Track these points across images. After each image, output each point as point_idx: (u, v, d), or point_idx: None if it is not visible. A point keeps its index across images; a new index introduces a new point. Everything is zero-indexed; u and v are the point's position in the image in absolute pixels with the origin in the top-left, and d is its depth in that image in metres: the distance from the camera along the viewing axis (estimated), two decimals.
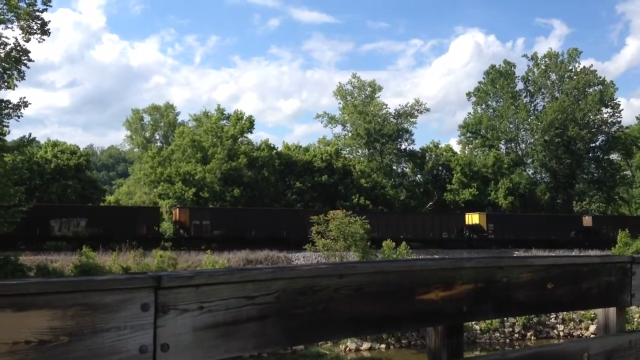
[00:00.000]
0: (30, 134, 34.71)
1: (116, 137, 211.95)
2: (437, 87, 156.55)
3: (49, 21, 30.95)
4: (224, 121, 62.63)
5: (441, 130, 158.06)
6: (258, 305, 1.98)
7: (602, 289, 3.18)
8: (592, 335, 27.69)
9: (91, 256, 34.39)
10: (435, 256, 39.97)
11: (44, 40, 30.92)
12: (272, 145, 60.53)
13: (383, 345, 31.69)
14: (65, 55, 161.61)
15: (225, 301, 1.91)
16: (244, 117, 60.20)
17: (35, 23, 30.44)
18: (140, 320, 1.74)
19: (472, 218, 51.34)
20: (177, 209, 45.93)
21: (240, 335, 1.94)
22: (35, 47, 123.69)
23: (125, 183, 79.89)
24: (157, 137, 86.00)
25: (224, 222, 43.47)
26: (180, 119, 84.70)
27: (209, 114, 68.25)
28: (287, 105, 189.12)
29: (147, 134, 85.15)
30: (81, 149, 58.50)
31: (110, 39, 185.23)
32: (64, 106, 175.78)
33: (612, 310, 3.33)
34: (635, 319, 34.37)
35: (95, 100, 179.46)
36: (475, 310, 2.65)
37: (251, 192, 54.55)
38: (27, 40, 30.51)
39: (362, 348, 31.23)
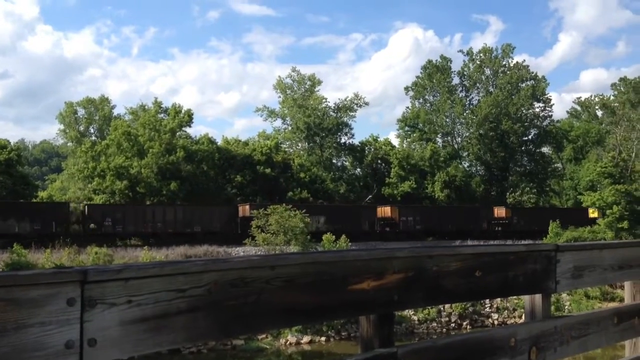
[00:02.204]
0: None
1: (49, 131, 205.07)
2: (376, 82, 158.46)
3: None
4: (162, 115, 61.62)
5: (381, 124, 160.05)
6: (189, 297, 1.97)
7: (528, 276, 3.29)
8: None
9: (23, 254, 33.35)
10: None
11: None
12: (211, 139, 59.96)
13: (323, 338, 31.90)
14: None
15: (155, 294, 1.89)
16: (183, 111, 59.38)
17: None
18: (66, 315, 1.70)
19: (384, 211, 51.83)
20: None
21: (170, 328, 1.93)
22: None
23: (59, 178, 77.68)
24: (92, 130, 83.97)
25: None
26: (116, 112, 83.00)
27: (146, 107, 67.03)
28: (227, 98, 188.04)
29: (82, 128, 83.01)
30: (12, 144, 56.53)
31: (43, 29, 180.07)
32: None
33: (538, 297, 3.44)
34: (566, 307, 35.68)
35: (28, 93, 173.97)
36: (406, 299, 2.70)
37: (190, 186, 53.89)
38: None
39: (302, 341, 31.37)
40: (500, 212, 55.51)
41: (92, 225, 42.04)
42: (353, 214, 50.55)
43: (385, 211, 51.46)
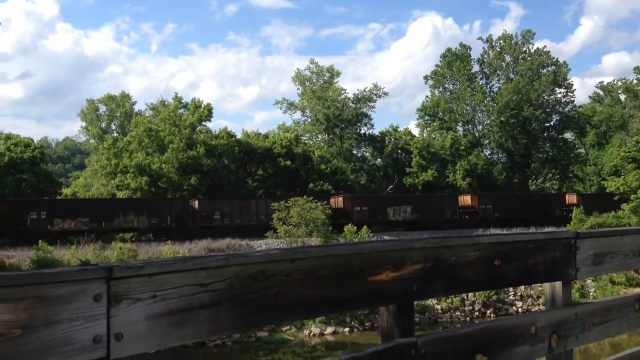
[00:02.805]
0: None
1: (71, 129, 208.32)
2: (395, 71, 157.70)
3: None
4: (182, 110, 61.99)
5: (401, 113, 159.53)
6: (211, 291, 2.02)
7: (548, 264, 3.30)
8: None
9: (49, 250, 33.85)
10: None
11: None
12: (231, 133, 60.20)
13: (347, 329, 32.01)
14: (18, 46, 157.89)
15: (178, 289, 1.94)
16: (202, 105, 59.65)
17: None
18: (93, 310, 1.76)
19: (465, 199, 52.85)
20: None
21: (194, 322, 1.98)
22: None
23: (82, 175, 78.57)
24: (114, 127, 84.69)
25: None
26: (136, 108, 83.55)
27: (166, 102, 67.46)
28: (246, 92, 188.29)
29: (103, 125, 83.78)
30: (35, 142, 57.29)
31: (63, 28, 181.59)
32: (17, 98, 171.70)
33: (558, 284, 3.46)
34: (591, 293, 35.42)
35: (49, 91, 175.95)
36: (426, 289, 2.73)
37: (210, 180, 54.22)
38: None
39: (326, 332, 31.51)
40: (571, 198, 55.68)
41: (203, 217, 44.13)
42: (437, 203, 52.19)
43: (465, 200, 52.78)
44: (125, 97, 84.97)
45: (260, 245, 39.51)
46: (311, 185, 55.60)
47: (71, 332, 1.72)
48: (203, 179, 53.73)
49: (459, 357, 2.77)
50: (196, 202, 45.55)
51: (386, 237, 39.84)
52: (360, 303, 2.61)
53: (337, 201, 48.71)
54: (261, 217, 44.46)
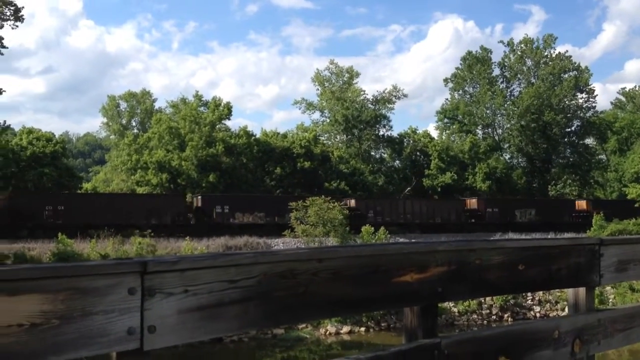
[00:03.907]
0: (4, 122, 34.60)
1: (92, 124, 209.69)
2: (415, 73, 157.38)
3: (22, 7, 30.57)
4: (202, 108, 62.34)
5: (420, 115, 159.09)
6: (240, 288, 2.06)
7: (572, 269, 3.31)
8: None
9: (68, 244, 34.19)
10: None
11: (17, 26, 30.55)
12: (250, 132, 60.43)
13: (363, 329, 31.97)
14: (41, 41, 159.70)
15: (209, 285, 1.99)
16: (222, 104, 59.94)
17: (9, 9, 30.03)
18: (127, 303, 1.81)
19: (580, 204, 55.62)
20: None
21: (223, 317, 2.02)
22: (9, 33, 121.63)
23: (102, 170, 79.28)
24: (134, 124, 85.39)
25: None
26: (157, 105, 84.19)
27: (187, 100, 67.85)
28: (265, 91, 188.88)
29: (124, 121, 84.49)
30: (57, 136, 57.92)
31: (86, 24, 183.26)
32: (39, 93, 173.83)
33: (582, 290, 3.46)
34: (610, 300, 35.07)
35: (71, 87, 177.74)
36: (450, 291, 2.75)
37: (229, 178, 54.47)
38: (0, 27, 30.12)
39: (342, 331, 31.50)
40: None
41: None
42: (557, 207, 56.33)
43: (581, 204, 56.21)
44: (146, 94, 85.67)
45: (278, 244, 39.61)
46: (326, 184, 55.54)
47: (107, 324, 1.77)
48: (222, 177, 53.99)
49: (482, 359, 2.78)
50: (200, 198, 45.61)
51: (400, 239, 39.81)
52: (385, 303, 2.63)
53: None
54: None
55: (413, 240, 29.62)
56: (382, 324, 32.32)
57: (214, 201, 45.44)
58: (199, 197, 46.38)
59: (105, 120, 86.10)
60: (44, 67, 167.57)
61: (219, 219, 44.17)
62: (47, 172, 49.48)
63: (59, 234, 34.71)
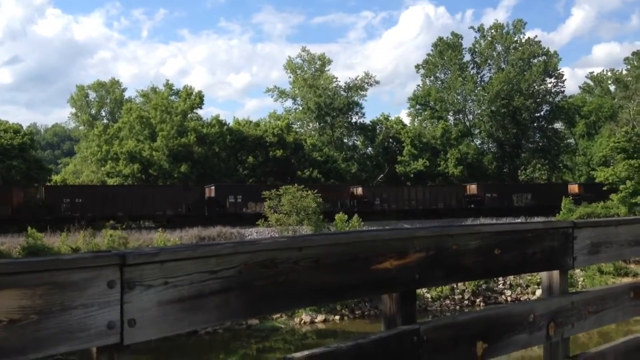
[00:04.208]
0: None
1: (61, 115, 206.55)
2: (387, 60, 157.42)
3: None
4: (173, 97, 61.72)
5: (392, 102, 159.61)
6: (221, 279, 2.05)
7: (546, 253, 3.35)
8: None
9: (38, 237, 33.70)
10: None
11: None
12: (222, 121, 60.03)
13: (337, 317, 32.15)
14: (7, 30, 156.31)
15: (189, 276, 1.97)
16: (194, 93, 59.44)
17: None
18: (107, 297, 1.78)
19: (572, 188, 57.08)
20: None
21: (204, 308, 2.01)
22: None
23: (72, 162, 78.18)
24: (104, 114, 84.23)
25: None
26: (127, 95, 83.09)
27: (157, 89, 67.12)
28: (237, 79, 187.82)
29: (93, 111, 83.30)
30: (24, 128, 56.93)
31: (53, 13, 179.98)
32: (5, 83, 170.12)
33: (556, 273, 3.51)
34: (580, 283, 35.70)
35: (39, 77, 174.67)
36: (428, 277, 2.77)
37: (202, 168, 54.12)
38: None
39: (316, 320, 31.63)
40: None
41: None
42: (551, 192, 56.41)
43: (573, 188, 57.43)
44: (115, 83, 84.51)
45: (252, 233, 39.54)
46: (299, 173, 55.50)
47: (86, 318, 1.74)
48: (194, 166, 53.62)
49: (460, 344, 2.81)
50: (213, 188, 45.95)
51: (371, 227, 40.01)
52: (365, 290, 2.64)
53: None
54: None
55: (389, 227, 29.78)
56: (357, 312, 32.53)
57: (227, 191, 45.74)
58: (212, 187, 46.32)
59: (74, 110, 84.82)
60: (10, 57, 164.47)
61: (232, 208, 44.21)
62: (16, 164, 48.67)
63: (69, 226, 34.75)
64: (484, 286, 36.51)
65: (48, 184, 49.97)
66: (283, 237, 2.68)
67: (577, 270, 36.08)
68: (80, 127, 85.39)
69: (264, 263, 2.15)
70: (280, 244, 2.27)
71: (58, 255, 1.86)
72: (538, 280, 34.56)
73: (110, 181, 52.20)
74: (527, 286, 36.95)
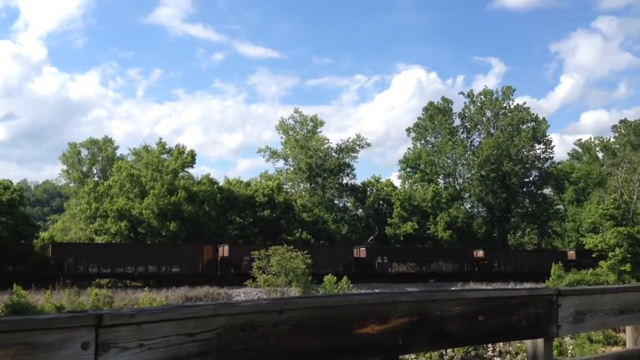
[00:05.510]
0: None
1: (52, 172, 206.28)
2: (379, 122, 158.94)
3: None
4: (165, 155, 61.92)
5: (383, 164, 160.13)
6: (199, 341, 2.02)
7: (531, 320, 3.32)
8: None
9: (22, 295, 33.14)
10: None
11: None
12: (213, 180, 60.12)
13: None
14: (3, 88, 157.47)
15: (166, 338, 1.94)
16: (186, 151, 59.70)
17: None
18: (80, 358, 1.75)
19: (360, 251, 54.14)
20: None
21: None
22: None
23: (60, 219, 77.58)
24: (95, 171, 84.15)
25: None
26: (119, 152, 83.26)
27: (149, 147, 67.39)
28: (230, 139, 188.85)
29: (85, 169, 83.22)
30: (14, 184, 56.69)
31: (50, 71, 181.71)
32: None
33: (540, 342, 3.47)
34: (569, 351, 35.26)
35: (32, 134, 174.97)
36: (410, 342, 2.74)
37: (191, 227, 53.83)
38: None
39: None
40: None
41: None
42: (550, 257, 56.36)
43: (571, 255, 57.97)
44: (108, 141, 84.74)
45: (239, 294, 39.06)
46: (285, 235, 55.17)
47: None
48: (183, 224, 53.34)
49: None
50: (226, 248, 45.70)
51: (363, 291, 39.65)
52: (347, 355, 2.60)
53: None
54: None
55: (376, 291, 29.53)
56: None
57: (240, 252, 45.38)
58: (225, 246, 45.90)
59: (65, 167, 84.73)
60: (4, 114, 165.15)
61: (246, 269, 43.60)
62: (4, 220, 48.27)
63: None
64: (473, 352, 35.96)
65: (35, 240, 49.44)
66: (265, 299, 2.66)
67: (567, 339, 35.69)
68: (70, 184, 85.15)
69: (242, 326, 2.13)
70: (261, 307, 2.25)
71: (34, 315, 1.83)
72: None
73: (98, 239, 51.75)
74: (517, 354, 36.41)
